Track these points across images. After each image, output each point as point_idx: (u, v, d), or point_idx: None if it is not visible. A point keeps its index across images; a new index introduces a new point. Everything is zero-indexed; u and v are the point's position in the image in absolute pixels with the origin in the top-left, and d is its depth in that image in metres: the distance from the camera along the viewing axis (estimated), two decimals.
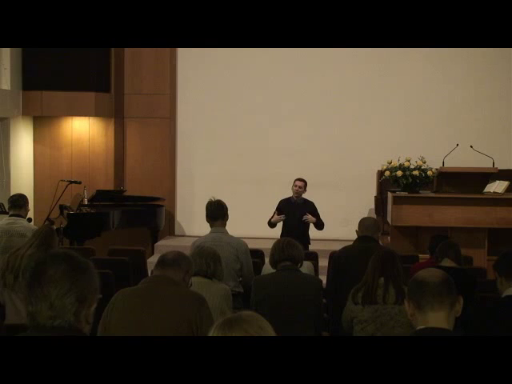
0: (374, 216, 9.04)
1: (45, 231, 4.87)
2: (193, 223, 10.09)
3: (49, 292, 2.03)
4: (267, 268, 4.86)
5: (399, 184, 8.15)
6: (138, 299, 3.37)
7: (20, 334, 2.08)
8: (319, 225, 7.51)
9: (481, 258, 7.69)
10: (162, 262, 3.53)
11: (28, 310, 2.05)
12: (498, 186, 7.94)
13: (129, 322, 3.30)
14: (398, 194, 8.10)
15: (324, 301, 4.65)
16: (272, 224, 7.54)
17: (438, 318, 2.51)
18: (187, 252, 4.22)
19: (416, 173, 8.06)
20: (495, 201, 7.85)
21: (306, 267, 4.78)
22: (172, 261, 3.51)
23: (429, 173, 8.10)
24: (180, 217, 10.48)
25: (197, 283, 4.11)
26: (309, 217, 7.37)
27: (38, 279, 2.06)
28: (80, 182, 9.19)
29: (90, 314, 2.11)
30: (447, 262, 4.90)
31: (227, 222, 5.50)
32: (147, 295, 3.37)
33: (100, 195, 9.23)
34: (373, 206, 9.64)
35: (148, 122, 10.24)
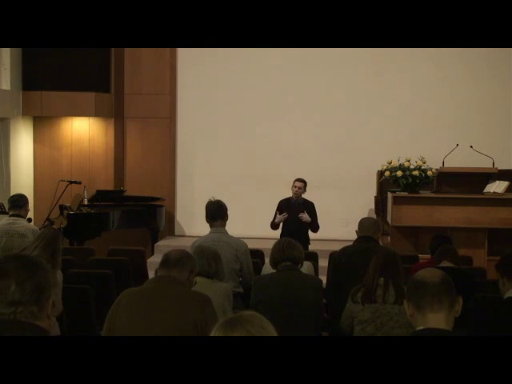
0: (374, 216, 9.05)
1: (50, 233, 4.85)
2: (193, 223, 10.09)
3: (9, 283, 2.04)
4: (267, 268, 4.86)
5: (399, 184, 8.15)
6: (143, 300, 3.37)
7: None
8: (313, 227, 7.49)
9: (481, 258, 7.69)
10: (166, 262, 3.51)
11: None
12: (497, 186, 7.94)
13: (134, 322, 3.29)
14: (398, 194, 8.10)
15: (324, 301, 4.65)
16: (276, 225, 7.49)
17: (437, 319, 2.51)
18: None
19: (416, 173, 8.06)
20: (495, 201, 7.85)
21: (306, 267, 4.77)
22: (176, 260, 3.50)
23: (429, 173, 8.10)
24: (180, 217, 10.48)
25: (198, 283, 4.11)
26: (304, 216, 7.33)
27: None
28: (80, 182, 9.19)
29: (49, 306, 2.12)
30: (445, 264, 4.92)
31: (227, 222, 5.50)
32: (153, 296, 3.37)
33: (100, 195, 9.23)
34: (373, 206, 9.64)
35: (148, 122, 10.24)
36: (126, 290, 3.50)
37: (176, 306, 3.30)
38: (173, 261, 3.49)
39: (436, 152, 8.41)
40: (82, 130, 10.14)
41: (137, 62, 10.17)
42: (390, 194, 8.25)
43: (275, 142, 10.10)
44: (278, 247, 4.41)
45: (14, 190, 8.68)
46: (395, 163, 8.28)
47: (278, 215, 7.41)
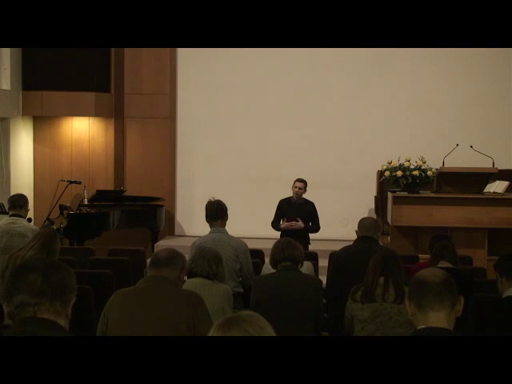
0: (374, 216, 9.05)
1: (47, 233, 4.84)
2: (193, 223, 10.09)
3: (37, 276, 2.11)
4: (267, 268, 4.86)
5: (399, 184, 8.14)
6: (135, 300, 3.37)
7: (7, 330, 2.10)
8: (311, 229, 7.48)
9: (481, 258, 7.69)
10: (156, 262, 3.51)
11: (16, 298, 2.07)
12: (498, 186, 7.94)
13: (127, 322, 3.30)
14: (398, 194, 8.10)
15: (324, 301, 4.65)
16: (279, 229, 7.47)
17: (438, 318, 2.52)
18: (187, 252, 4.22)
19: (416, 173, 8.06)
20: (495, 201, 7.85)
21: (306, 267, 4.78)
22: (166, 260, 3.50)
23: (429, 173, 8.09)
24: (180, 217, 10.48)
25: (198, 284, 4.11)
26: (297, 224, 7.31)
27: (22, 271, 2.13)
28: (80, 182, 9.20)
29: (70, 308, 2.18)
30: (443, 264, 4.90)
31: (227, 222, 5.50)
32: (145, 296, 3.37)
33: (100, 195, 9.23)
34: (373, 206, 9.64)
35: (148, 122, 10.24)
36: (118, 290, 3.50)
37: (168, 306, 3.30)
38: (163, 260, 3.49)
39: (436, 152, 8.40)
40: (82, 130, 10.14)
41: (137, 61, 10.17)
42: (390, 194, 8.24)
43: (275, 142, 10.10)
44: (278, 247, 4.41)
45: (14, 190, 8.68)
46: (395, 163, 8.27)
47: (285, 221, 7.37)
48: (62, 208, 8.98)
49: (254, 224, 9.29)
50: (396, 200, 8.00)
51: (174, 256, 3.53)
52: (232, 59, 10.09)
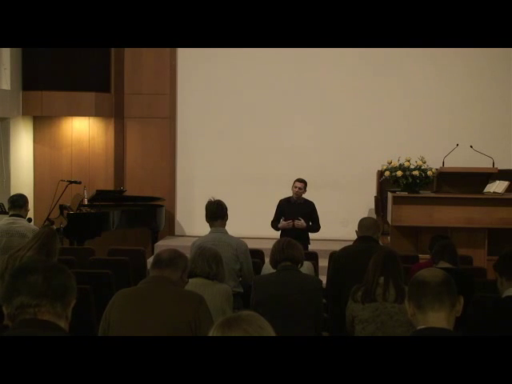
0: (374, 216, 9.04)
1: (46, 233, 4.83)
2: (193, 223, 10.10)
3: (38, 277, 2.11)
4: (267, 268, 4.86)
5: (399, 184, 8.14)
6: (137, 300, 3.37)
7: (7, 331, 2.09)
8: (313, 228, 7.50)
9: (481, 258, 7.68)
10: (158, 262, 3.51)
11: (17, 300, 2.07)
12: (498, 186, 7.94)
13: (128, 322, 3.30)
14: (398, 194, 8.10)
15: (324, 301, 4.65)
16: (277, 228, 7.50)
17: (438, 318, 2.52)
18: (187, 252, 4.22)
19: (416, 173, 8.06)
20: (495, 201, 7.84)
21: (306, 267, 4.77)
22: (169, 260, 3.49)
23: (429, 173, 8.09)
24: (180, 217, 10.48)
25: (198, 284, 4.11)
26: (300, 223, 7.33)
27: (22, 272, 2.13)
28: (80, 182, 9.20)
29: (70, 310, 2.18)
30: (443, 264, 4.89)
31: (227, 222, 5.50)
32: (146, 296, 3.37)
33: (100, 195, 9.23)
34: (373, 206, 9.64)
35: (148, 122, 10.24)
36: (120, 290, 3.50)
37: (169, 306, 3.30)
38: (165, 261, 3.49)
39: (436, 152, 8.40)
40: (82, 130, 10.14)
41: (137, 62, 10.17)
42: (390, 194, 8.24)
43: (275, 142, 10.10)
44: (278, 247, 4.41)
45: (14, 190, 8.68)
46: (395, 163, 8.27)
47: (283, 221, 7.39)
48: (62, 208, 8.97)
49: (254, 224, 9.29)
50: (396, 200, 8.00)
51: (176, 257, 3.53)
52: (232, 59, 10.09)
